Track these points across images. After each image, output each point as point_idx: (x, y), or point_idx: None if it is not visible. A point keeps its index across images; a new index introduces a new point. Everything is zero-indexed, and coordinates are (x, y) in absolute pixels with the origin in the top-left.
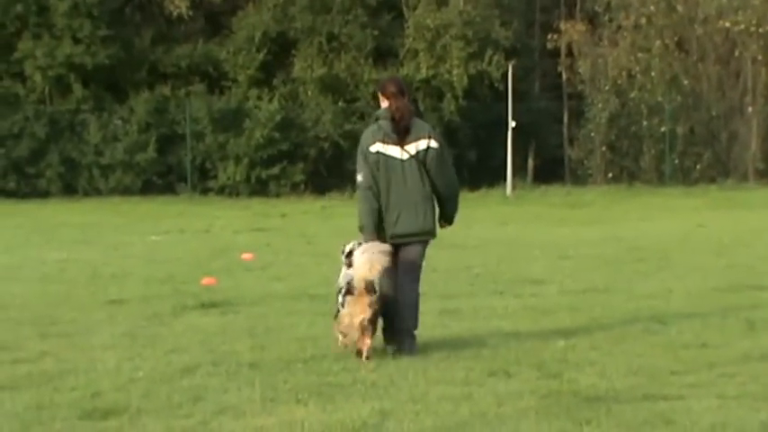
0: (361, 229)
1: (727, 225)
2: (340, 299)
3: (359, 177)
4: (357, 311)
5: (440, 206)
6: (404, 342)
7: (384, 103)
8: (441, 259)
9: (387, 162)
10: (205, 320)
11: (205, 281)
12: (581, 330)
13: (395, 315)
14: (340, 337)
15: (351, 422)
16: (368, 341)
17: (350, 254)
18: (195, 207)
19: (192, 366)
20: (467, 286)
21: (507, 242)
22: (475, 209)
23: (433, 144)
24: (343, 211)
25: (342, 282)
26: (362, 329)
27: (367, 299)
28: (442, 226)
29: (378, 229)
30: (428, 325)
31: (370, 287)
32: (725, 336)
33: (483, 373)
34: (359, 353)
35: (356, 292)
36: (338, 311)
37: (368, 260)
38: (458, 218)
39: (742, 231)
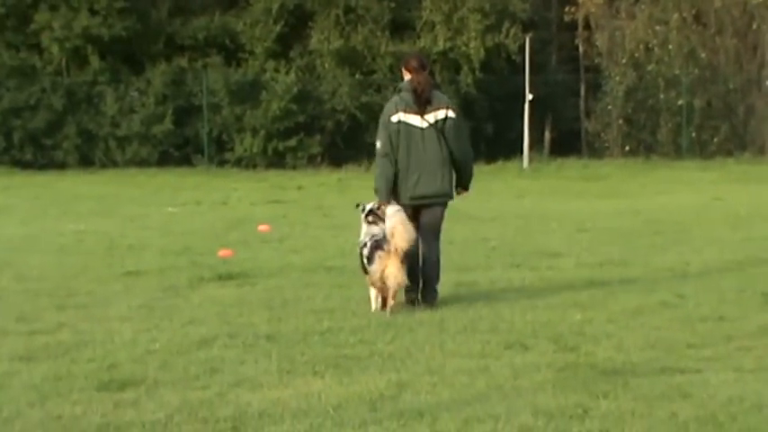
0: (377, 191)
1: (743, 198)
2: (366, 252)
3: (378, 144)
4: (394, 269)
5: (456, 173)
6: (427, 294)
7: (407, 77)
8: (457, 231)
9: (408, 130)
10: (222, 292)
11: (222, 253)
12: (598, 303)
13: (418, 270)
14: (373, 292)
15: (368, 394)
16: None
17: (370, 212)
18: (212, 179)
19: (209, 338)
20: (483, 259)
21: (524, 215)
22: (491, 181)
23: (451, 114)
24: (360, 184)
25: (365, 238)
26: (394, 290)
27: (400, 256)
28: (458, 193)
29: (391, 193)
30: (444, 297)
31: (405, 257)
32: (742, 309)
33: (499, 346)
34: (383, 305)
35: (392, 252)
36: (363, 267)
37: (404, 229)
38: (473, 187)
39: (759, 205)
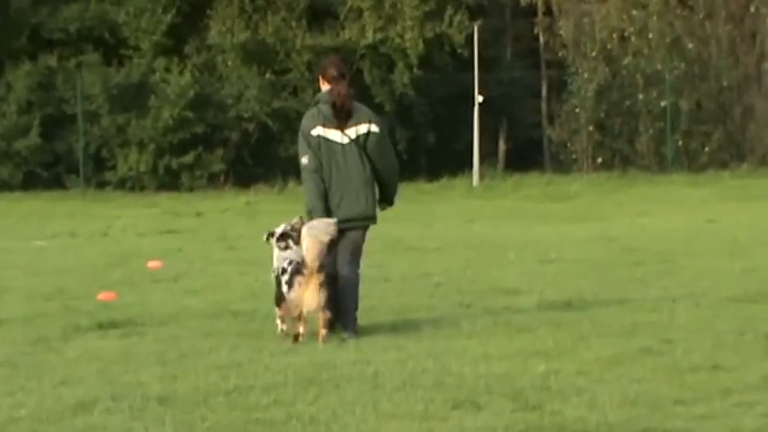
0: (310, 212)
1: (741, 220)
2: (285, 278)
3: (304, 160)
4: (310, 293)
5: (380, 189)
6: (347, 323)
7: (324, 86)
8: (395, 266)
9: (327, 146)
10: (103, 344)
11: (102, 296)
12: (565, 351)
13: (336, 295)
14: (279, 323)
15: None
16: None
17: (283, 236)
18: (89, 205)
19: (88, 402)
20: (426, 298)
21: (474, 244)
22: (435, 203)
23: (374, 129)
24: (272, 209)
25: (277, 264)
26: (318, 309)
27: (318, 278)
28: (382, 208)
29: (327, 212)
30: (379, 346)
31: (321, 268)
32: (741, 356)
33: (446, 405)
34: (296, 338)
35: (307, 272)
36: (280, 296)
37: (314, 239)
38: (398, 199)
39: (760, 228)
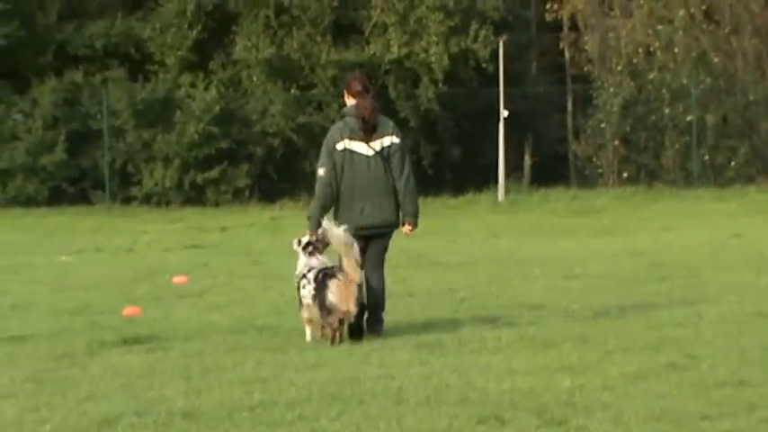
0: (309, 218)
1: None
2: (308, 287)
3: (320, 172)
4: (349, 294)
5: (402, 203)
6: (374, 323)
7: (350, 101)
8: (419, 281)
9: (353, 158)
10: (128, 360)
11: (128, 311)
12: (591, 367)
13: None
14: (307, 329)
15: None
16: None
17: (309, 244)
18: (115, 220)
19: (112, 417)
20: (450, 313)
21: (499, 259)
22: (460, 218)
23: (396, 140)
24: (297, 223)
25: (300, 270)
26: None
27: (353, 282)
28: (407, 233)
29: (319, 222)
30: (403, 362)
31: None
32: (767, 371)
33: (471, 421)
34: (333, 339)
35: (345, 276)
36: (301, 301)
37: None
38: (421, 216)
39: None
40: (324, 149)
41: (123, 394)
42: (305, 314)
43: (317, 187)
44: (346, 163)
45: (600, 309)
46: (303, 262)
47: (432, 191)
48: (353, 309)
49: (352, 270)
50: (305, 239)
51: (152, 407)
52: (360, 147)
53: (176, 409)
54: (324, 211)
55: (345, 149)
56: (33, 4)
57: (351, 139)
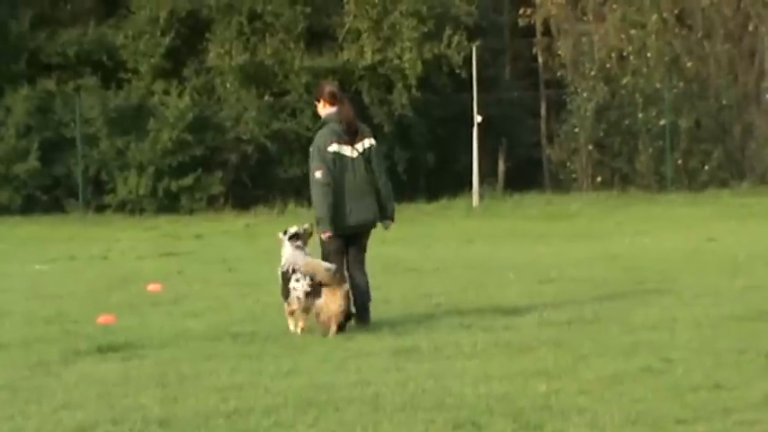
0: (319, 221)
1: (742, 238)
2: (302, 282)
3: (318, 174)
4: (335, 301)
5: (384, 200)
6: (362, 316)
7: (326, 108)
8: (394, 287)
9: (342, 160)
10: (103, 368)
11: (102, 319)
12: (566, 371)
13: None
14: (289, 321)
15: None
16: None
17: (296, 235)
18: (89, 228)
19: (88, 426)
20: (425, 319)
21: (474, 264)
22: (434, 224)
23: (373, 142)
24: (272, 230)
25: (285, 261)
26: (338, 316)
27: (342, 289)
28: (386, 226)
29: (333, 223)
30: (379, 368)
31: (342, 278)
32: (742, 375)
33: (447, 426)
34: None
35: (333, 284)
36: (286, 292)
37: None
38: (397, 216)
39: (761, 246)
40: (315, 153)
41: (99, 402)
42: (293, 306)
43: (317, 190)
44: (336, 165)
45: (575, 313)
46: (290, 253)
47: (406, 197)
48: (338, 312)
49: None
50: (292, 230)
51: (128, 415)
52: (346, 149)
53: (152, 417)
54: (331, 209)
55: (335, 153)
56: (5, 11)
57: (339, 143)
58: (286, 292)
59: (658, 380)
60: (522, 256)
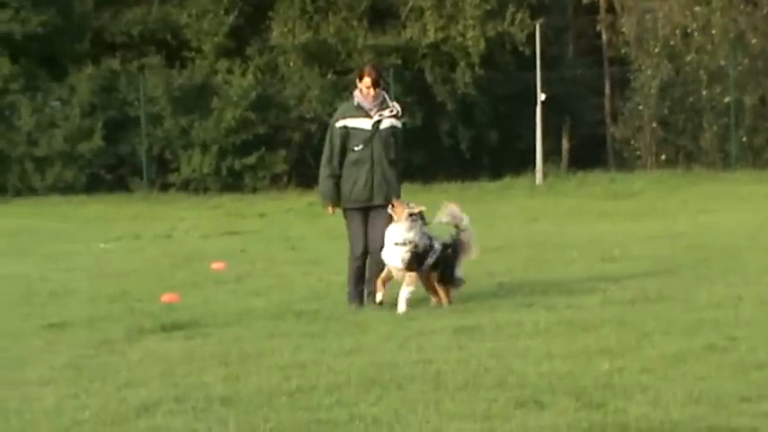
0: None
1: None
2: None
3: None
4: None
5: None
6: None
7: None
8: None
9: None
10: (167, 346)
11: (166, 297)
12: (629, 350)
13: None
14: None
15: None
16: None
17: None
18: (153, 207)
19: (152, 403)
20: (488, 298)
21: (537, 243)
22: (498, 202)
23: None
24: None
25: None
26: None
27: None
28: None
29: (333, 197)
30: (441, 346)
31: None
32: None
33: (509, 405)
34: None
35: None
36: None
37: None
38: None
39: None
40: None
41: (162, 380)
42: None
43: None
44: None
45: (638, 291)
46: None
47: (469, 175)
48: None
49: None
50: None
51: (191, 393)
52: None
53: (215, 395)
54: (331, 184)
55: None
56: None
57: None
58: (413, 267)
59: (722, 358)
60: (586, 234)
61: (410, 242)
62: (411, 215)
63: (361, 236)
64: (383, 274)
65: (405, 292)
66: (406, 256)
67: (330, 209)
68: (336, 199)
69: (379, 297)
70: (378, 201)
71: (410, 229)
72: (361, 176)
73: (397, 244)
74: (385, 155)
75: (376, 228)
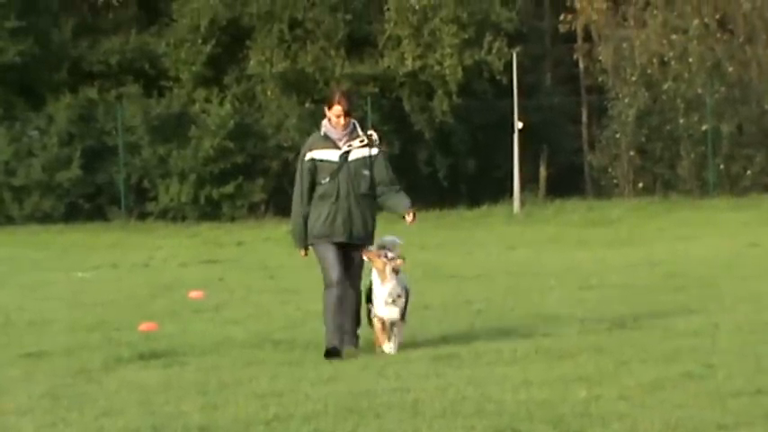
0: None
1: None
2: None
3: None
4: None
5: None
6: (352, 339)
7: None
8: (435, 293)
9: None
10: (144, 375)
11: (144, 326)
12: (607, 377)
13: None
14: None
15: None
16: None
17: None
18: (131, 236)
19: None
20: (466, 326)
21: (515, 271)
22: (475, 230)
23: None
24: None
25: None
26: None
27: None
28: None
29: (303, 240)
30: (419, 374)
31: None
32: None
33: None
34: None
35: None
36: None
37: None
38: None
39: None
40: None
41: (140, 410)
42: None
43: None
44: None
45: (616, 319)
46: (403, 279)
47: (447, 203)
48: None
49: None
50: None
51: (169, 422)
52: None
53: (193, 424)
54: (301, 225)
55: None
56: (47, 21)
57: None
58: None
59: (699, 385)
60: (564, 262)
61: (401, 296)
62: (394, 270)
63: (336, 261)
64: (380, 326)
65: (401, 338)
66: (403, 306)
67: (302, 252)
68: (307, 241)
69: (388, 348)
70: (338, 239)
71: (398, 284)
72: (323, 211)
73: (390, 303)
74: (353, 189)
75: (350, 267)
